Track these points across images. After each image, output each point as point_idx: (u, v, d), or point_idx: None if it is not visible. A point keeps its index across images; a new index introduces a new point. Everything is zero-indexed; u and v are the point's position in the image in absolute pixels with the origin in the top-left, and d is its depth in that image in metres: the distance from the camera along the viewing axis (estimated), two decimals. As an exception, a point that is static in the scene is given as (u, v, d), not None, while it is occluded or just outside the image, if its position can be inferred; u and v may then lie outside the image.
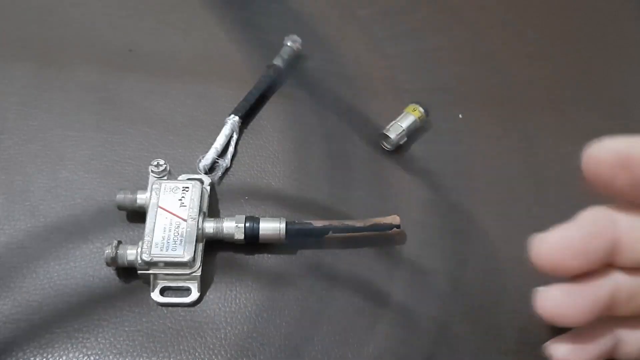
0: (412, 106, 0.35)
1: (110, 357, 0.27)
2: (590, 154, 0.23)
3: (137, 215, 0.30)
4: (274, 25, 0.40)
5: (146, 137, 0.34)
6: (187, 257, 0.28)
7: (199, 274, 0.28)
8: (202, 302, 0.29)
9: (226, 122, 0.34)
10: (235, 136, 0.34)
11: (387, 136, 0.34)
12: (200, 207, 0.29)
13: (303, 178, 0.33)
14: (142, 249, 0.28)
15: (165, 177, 0.31)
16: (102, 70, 0.37)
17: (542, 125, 0.37)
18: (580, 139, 0.36)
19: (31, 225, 0.30)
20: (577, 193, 0.24)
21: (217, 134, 0.34)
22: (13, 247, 0.29)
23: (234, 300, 0.29)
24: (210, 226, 0.29)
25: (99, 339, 0.27)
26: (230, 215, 0.30)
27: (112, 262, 0.28)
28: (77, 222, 0.31)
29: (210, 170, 0.33)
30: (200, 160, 0.33)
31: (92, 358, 0.27)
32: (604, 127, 0.37)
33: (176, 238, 0.28)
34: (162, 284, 0.29)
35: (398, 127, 0.34)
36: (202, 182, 0.31)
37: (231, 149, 0.34)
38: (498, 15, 0.43)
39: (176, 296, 0.29)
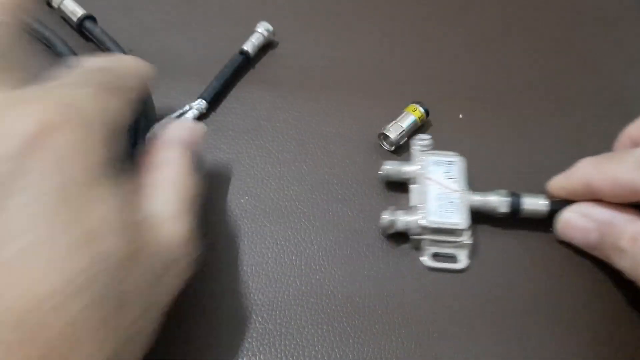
0: (412, 106, 0.35)
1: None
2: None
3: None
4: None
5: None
6: (463, 225, 0.30)
7: (470, 241, 0.30)
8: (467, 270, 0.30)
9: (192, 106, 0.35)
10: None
11: (387, 136, 0.34)
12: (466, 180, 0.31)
13: (302, 178, 0.33)
14: (419, 215, 0.30)
15: (430, 151, 0.33)
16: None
17: (542, 125, 0.37)
18: (580, 139, 0.36)
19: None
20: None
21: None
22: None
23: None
24: (477, 199, 0.31)
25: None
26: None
27: (390, 226, 0.30)
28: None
29: None
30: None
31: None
32: (604, 127, 0.37)
33: (450, 207, 0.30)
34: (432, 249, 0.31)
35: (398, 127, 0.34)
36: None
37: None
38: (499, 15, 0.43)
39: (445, 262, 0.31)
